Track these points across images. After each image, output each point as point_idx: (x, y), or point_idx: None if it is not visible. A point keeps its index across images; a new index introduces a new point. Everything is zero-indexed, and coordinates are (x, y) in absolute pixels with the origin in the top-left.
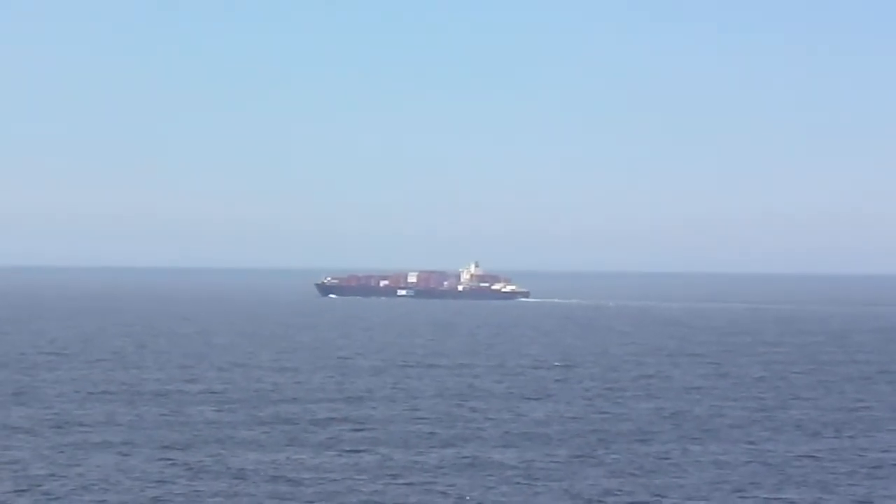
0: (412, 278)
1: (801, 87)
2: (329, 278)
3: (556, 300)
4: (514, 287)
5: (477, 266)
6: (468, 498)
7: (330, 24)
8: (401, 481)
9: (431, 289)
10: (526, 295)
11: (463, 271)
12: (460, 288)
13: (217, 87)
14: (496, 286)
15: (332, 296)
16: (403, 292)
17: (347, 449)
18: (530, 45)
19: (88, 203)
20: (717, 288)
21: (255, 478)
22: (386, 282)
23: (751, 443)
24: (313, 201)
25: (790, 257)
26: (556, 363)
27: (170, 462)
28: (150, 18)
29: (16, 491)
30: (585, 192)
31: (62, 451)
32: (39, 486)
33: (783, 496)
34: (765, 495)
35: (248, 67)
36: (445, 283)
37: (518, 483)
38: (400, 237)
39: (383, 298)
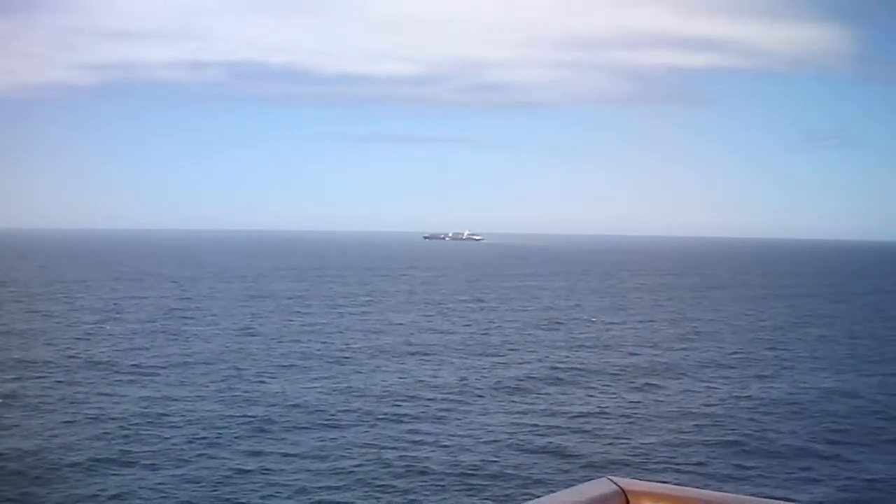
0: (451, 234)
1: None
2: (426, 234)
3: (487, 241)
4: (479, 237)
5: (469, 231)
6: None
7: None
8: None
9: (457, 239)
10: (482, 240)
11: (464, 232)
12: (464, 238)
13: None
14: (475, 237)
15: (427, 240)
16: (446, 240)
17: None
18: None
19: None
20: None
21: None
22: (445, 235)
23: None
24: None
25: None
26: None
27: None
28: None
29: None
30: None
31: None
32: None
33: None
34: None
35: None
36: (461, 236)
37: None
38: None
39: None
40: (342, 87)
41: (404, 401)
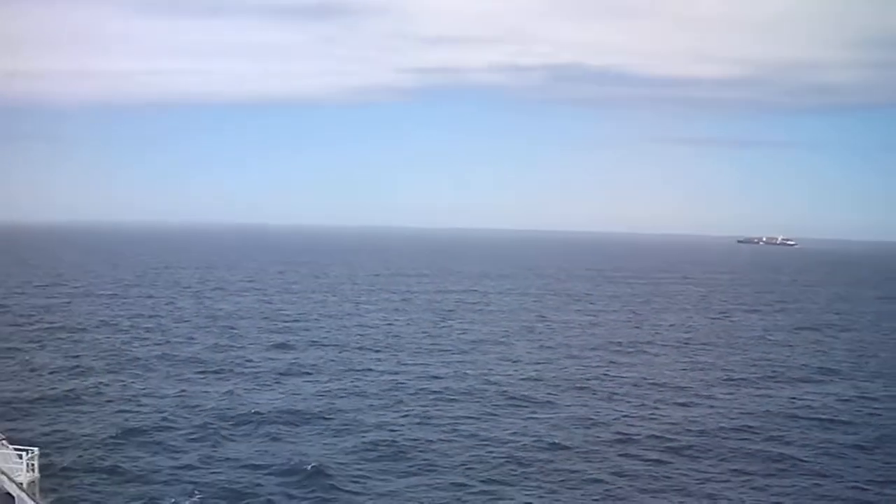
0: (765, 238)
1: None
2: (740, 239)
3: (800, 246)
4: (792, 242)
5: (783, 236)
6: None
7: None
8: None
9: (771, 243)
10: (795, 245)
11: (778, 237)
12: (777, 242)
13: None
14: (788, 242)
15: (741, 245)
16: (759, 244)
17: None
18: None
19: None
20: None
21: None
22: (759, 239)
23: None
24: None
25: None
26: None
27: None
28: None
29: None
30: None
31: None
32: None
33: None
34: None
35: None
36: (775, 241)
37: None
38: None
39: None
40: (666, 89)
41: (589, 389)
